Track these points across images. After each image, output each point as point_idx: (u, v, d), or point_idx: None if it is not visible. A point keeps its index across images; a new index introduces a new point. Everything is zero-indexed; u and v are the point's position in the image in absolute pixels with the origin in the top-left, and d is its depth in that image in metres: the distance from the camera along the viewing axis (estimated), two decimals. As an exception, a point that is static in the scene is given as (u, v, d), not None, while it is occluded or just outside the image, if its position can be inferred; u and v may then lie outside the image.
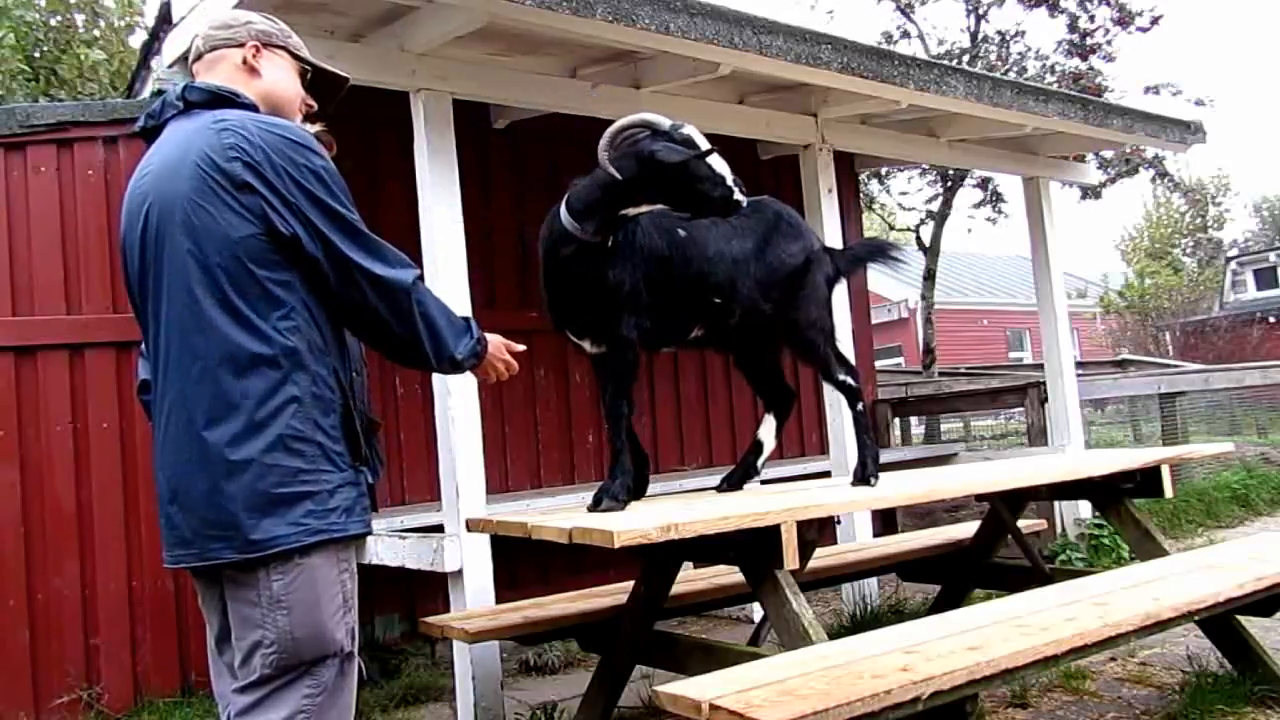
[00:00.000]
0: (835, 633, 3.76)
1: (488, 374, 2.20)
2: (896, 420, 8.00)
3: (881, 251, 3.83)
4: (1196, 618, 3.10)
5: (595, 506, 2.99)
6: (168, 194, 1.88)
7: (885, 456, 6.28)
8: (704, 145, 2.87)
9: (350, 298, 1.93)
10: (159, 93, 2.07)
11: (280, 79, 2.10)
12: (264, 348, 1.84)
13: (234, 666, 1.94)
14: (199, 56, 2.08)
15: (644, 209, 3.02)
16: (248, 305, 1.84)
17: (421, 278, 2.00)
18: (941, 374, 12.01)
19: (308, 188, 1.87)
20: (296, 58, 2.15)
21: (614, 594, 3.52)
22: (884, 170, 11.77)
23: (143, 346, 2.13)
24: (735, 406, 6.41)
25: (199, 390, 1.84)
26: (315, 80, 2.21)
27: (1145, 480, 4.01)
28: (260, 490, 1.81)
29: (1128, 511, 4.08)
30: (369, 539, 4.07)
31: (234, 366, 1.83)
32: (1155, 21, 10.75)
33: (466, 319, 2.10)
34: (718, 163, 2.87)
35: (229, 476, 1.81)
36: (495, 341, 2.17)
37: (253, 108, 1.99)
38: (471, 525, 3.29)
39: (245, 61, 2.05)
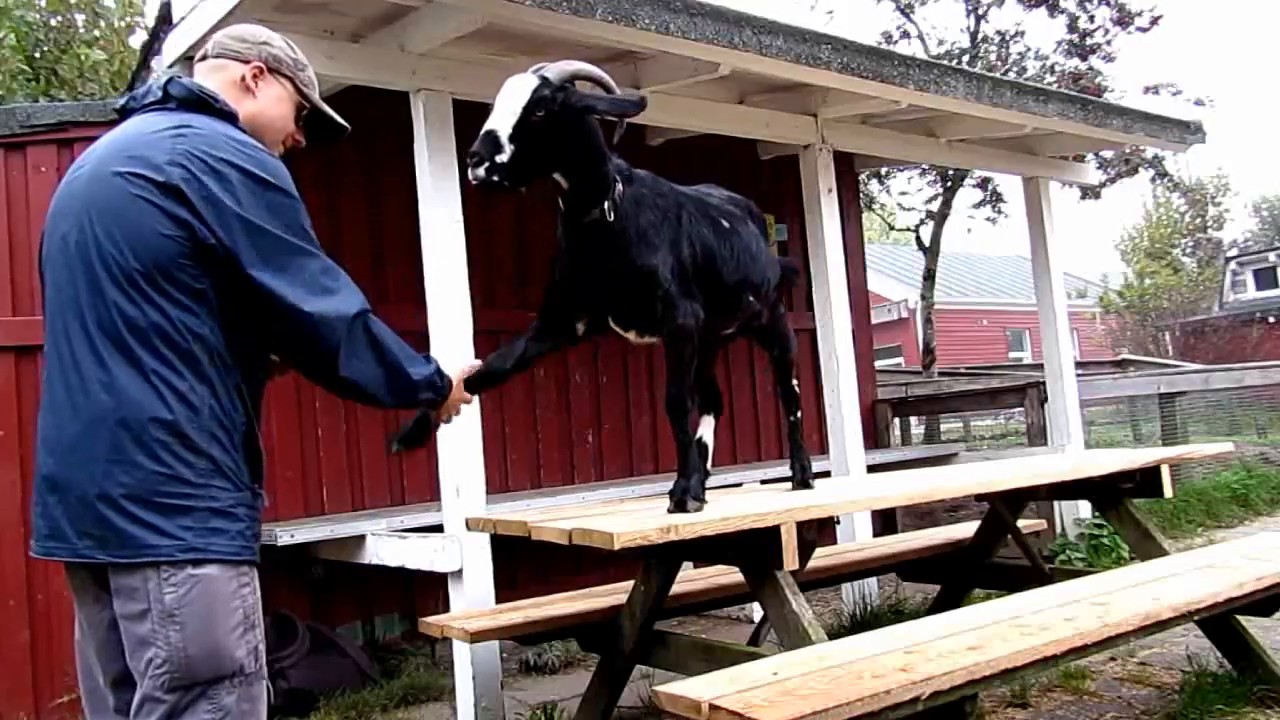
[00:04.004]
0: (835, 633, 3.76)
1: (443, 417, 2.22)
2: (896, 420, 8.00)
3: (794, 270, 4.04)
4: (1196, 618, 3.10)
5: (679, 509, 2.83)
6: (100, 183, 1.83)
7: (885, 457, 6.33)
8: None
9: (276, 326, 1.85)
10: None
11: (271, 107, 2.05)
12: (164, 349, 1.77)
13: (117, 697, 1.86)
14: (204, 57, 2.06)
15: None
16: (153, 305, 1.77)
17: (368, 311, 1.90)
18: (941, 374, 12.01)
19: (244, 208, 1.78)
20: (300, 92, 2.10)
21: (614, 594, 3.52)
22: (884, 170, 11.76)
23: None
24: (735, 407, 6.41)
25: (91, 384, 1.78)
26: (313, 120, 2.16)
27: (1145, 480, 4.01)
28: (138, 496, 1.73)
29: (1127, 511, 4.08)
30: (369, 538, 4.09)
31: (131, 366, 1.76)
32: (1155, 21, 10.76)
33: (426, 356, 2.04)
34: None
35: (109, 477, 1.74)
36: (459, 386, 2.18)
37: (230, 116, 1.94)
38: (471, 525, 3.29)
39: (243, 79, 2.02)
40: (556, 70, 2.55)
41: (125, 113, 1.99)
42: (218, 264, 1.79)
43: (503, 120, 2.46)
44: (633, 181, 2.88)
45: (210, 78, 2.02)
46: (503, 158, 2.44)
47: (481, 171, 2.43)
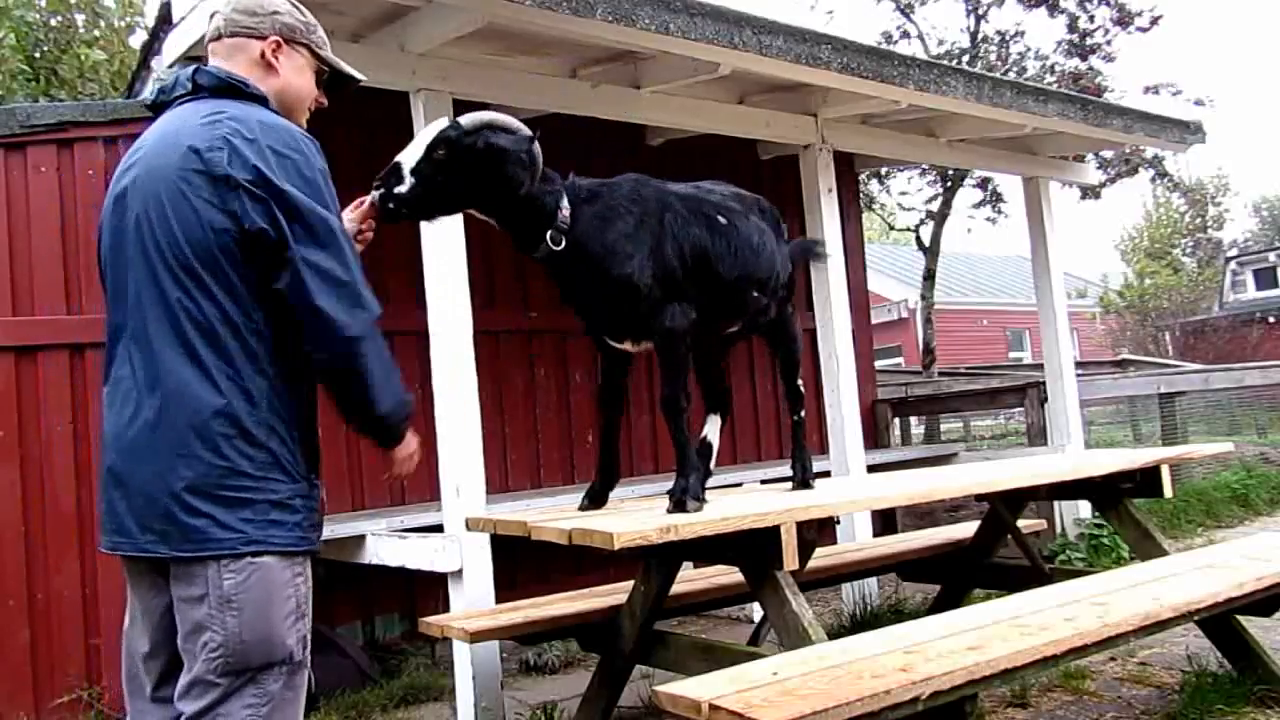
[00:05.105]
0: (835, 633, 3.76)
1: (394, 459, 2.07)
2: (896, 420, 8.00)
3: (810, 250, 3.94)
4: (1196, 618, 3.10)
5: (679, 509, 2.85)
6: (152, 177, 1.85)
7: (885, 457, 6.33)
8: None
9: (297, 309, 1.83)
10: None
11: (295, 79, 2.05)
12: (225, 343, 1.80)
13: (157, 686, 1.89)
14: (218, 36, 2.02)
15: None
16: (211, 299, 1.79)
17: (377, 320, 1.90)
18: (941, 374, 12.01)
19: (290, 192, 1.80)
20: (316, 56, 2.10)
21: (614, 594, 3.52)
22: (884, 170, 11.76)
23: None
24: (734, 407, 6.40)
25: (153, 379, 1.80)
26: (329, 78, 2.16)
27: (1145, 480, 4.01)
28: (201, 489, 1.76)
29: (1127, 511, 4.08)
30: (369, 538, 4.09)
31: (191, 360, 1.79)
32: (1155, 21, 10.76)
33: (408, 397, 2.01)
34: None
35: (172, 471, 1.76)
36: (413, 439, 2.09)
37: (262, 99, 1.95)
38: (471, 525, 3.29)
39: (264, 56, 2.00)
40: (470, 119, 2.68)
41: (157, 107, 2.00)
42: (267, 250, 1.80)
43: (409, 154, 2.59)
44: (597, 198, 2.94)
45: (229, 59, 2.00)
46: (401, 189, 2.54)
47: (376, 195, 2.50)
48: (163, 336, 1.81)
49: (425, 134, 2.65)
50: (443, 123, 2.68)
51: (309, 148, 1.88)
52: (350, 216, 2.34)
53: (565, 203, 2.87)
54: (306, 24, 2.09)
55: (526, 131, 2.77)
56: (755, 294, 3.28)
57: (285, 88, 2.03)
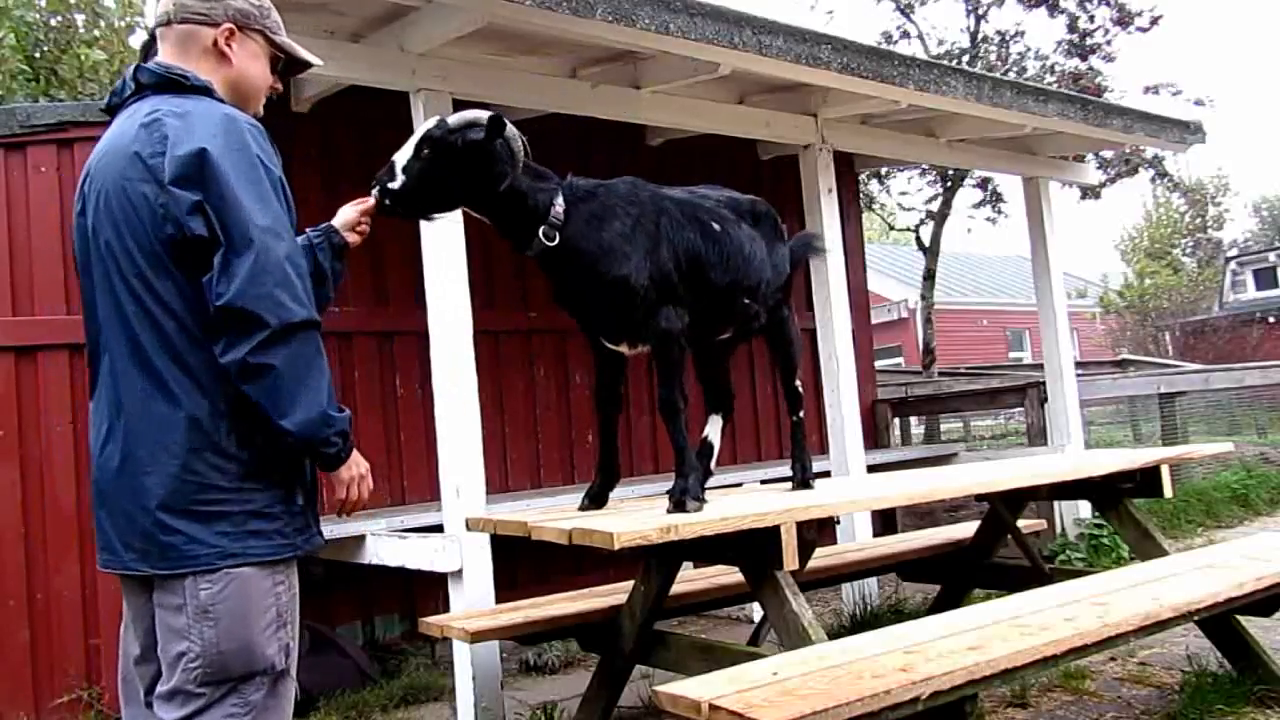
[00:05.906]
0: (835, 633, 3.76)
1: (338, 481, 1.89)
2: (896, 420, 8.00)
3: (809, 246, 3.92)
4: (1196, 618, 3.10)
5: (679, 509, 2.85)
6: (103, 184, 1.82)
7: (885, 457, 6.33)
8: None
9: (212, 306, 1.72)
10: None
11: (250, 67, 1.97)
12: (184, 356, 1.77)
13: (150, 691, 1.88)
14: (167, 21, 1.93)
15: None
16: (168, 312, 1.77)
17: (314, 328, 1.79)
18: (941, 374, 12.01)
19: (221, 191, 1.73)
20: (270, 41, 2.01)
21: (614, 594, 3.52)
22: (884, 170, 11.76)
23: None
24: (735, 407, 6.40)
25: (117, 397, 1.80)
26: (284, 63, 2.08)
27: (1145, 480, 4.01)
28: (174, 506, 1.74)
29: (1127, 511, 4.08)
30: (369, 538, 4.09)
31: (152, 375, 1.76)
32: (1155, 21, 10.76)
33: (344, 413, 1.86)
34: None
35: (145, 489, 1.75)
36: (361, 461, 1.93)
37: (205, 90, 1.88)
38: (471, 525, 3.29)
39: (216, 44, 1.92)
40: (457, 118, 2.76)
41: (112, 111, 1.96)
42: (208, 253, 1.74)
43: (401, 153, 2.69)
44: (594, 197, 2.95)
45: (181, 48, 1.93)
46: (394, 185, 2.64)
47: (375, 192, 2.59)
48: (123, 352, 1.79)
49: (416, 134, 2.73)
50: (429, 122, 2.74)
51: (250, 138, 1.81)
52: (360, 208, 2.35)
53: (560, 200, 2.88)
54: (260, 8, 2.01)
55: (511, 129, 2.77)
56: (746, 301, 3.29)
57: (239, 77, 1.96)
